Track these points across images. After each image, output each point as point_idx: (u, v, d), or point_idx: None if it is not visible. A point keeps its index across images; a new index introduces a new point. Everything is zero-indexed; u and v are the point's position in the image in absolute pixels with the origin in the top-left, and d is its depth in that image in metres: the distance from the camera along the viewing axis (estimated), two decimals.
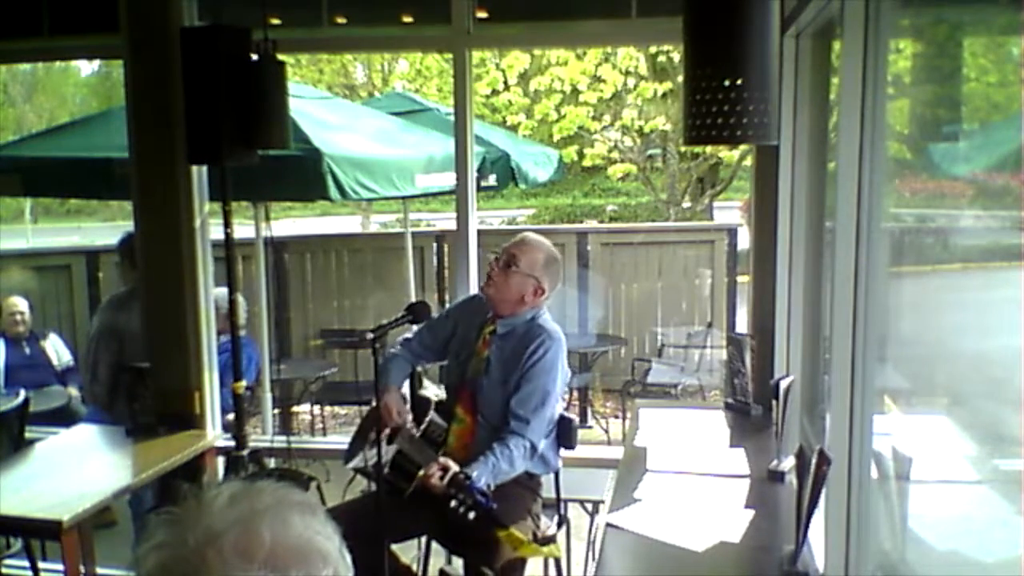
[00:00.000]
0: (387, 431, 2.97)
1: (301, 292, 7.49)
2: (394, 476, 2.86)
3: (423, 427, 3.00)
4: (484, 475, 2.80)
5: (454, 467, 2.76)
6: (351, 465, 3.08)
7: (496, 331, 3.11)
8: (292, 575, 0.91)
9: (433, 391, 3.21)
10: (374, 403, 3.01)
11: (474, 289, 3.83)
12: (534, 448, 2.99)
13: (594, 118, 11.52)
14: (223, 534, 0.90)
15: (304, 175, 4.39)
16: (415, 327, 3.20)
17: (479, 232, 3.94)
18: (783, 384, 2.82)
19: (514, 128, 10.97)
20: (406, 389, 3.25)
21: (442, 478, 2.72)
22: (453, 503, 2.61)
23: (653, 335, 7.50)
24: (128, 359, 3.84)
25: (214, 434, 3.75)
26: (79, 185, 5.12)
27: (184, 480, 3.32)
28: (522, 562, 2.89)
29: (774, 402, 2.86)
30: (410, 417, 3.09)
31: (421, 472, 2.78)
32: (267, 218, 4.33)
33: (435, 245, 7.66)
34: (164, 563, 0.90)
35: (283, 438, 4.15)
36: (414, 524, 3.06)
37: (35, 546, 3.69)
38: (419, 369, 3.31)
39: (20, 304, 5.59)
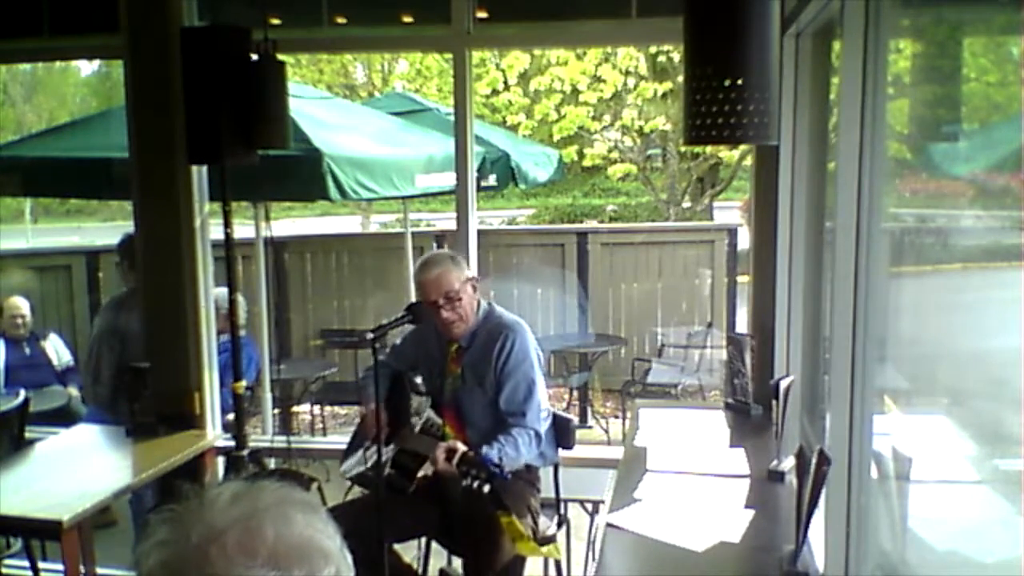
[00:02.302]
0: (385, 432, 2.97)
1: (301, 292, 7.49)
2: (395, 475, 2.87)
3: (421, 423, 3.01)
4: (492, 454, 2.83)
5: (461, 447, 2.79)
6: (350, 474, 3.09)
7: (461, 346, 3.14)
8: (295, 573, 0.91)
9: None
10: (369, 408, 3.02)
11: None
12: (538, 435, 3.02)
13: (594, 118, 11.53)
14: (226, 531, 0.90)
15: (304, 175, 4.39)
16: (413, 328, 3.21)
17: (479, 232, 3.94)
18: (783, 384, 2.82)
19: (514, 128, 10.97)
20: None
21: (450, 459, 2.74)
22: (466, 481, 2.63)
23: (653, 335, 7.51)
24: (130, 359, 3.84)
25: (214, 434, 3.75)
26: (79, 185, 5.12)
27: (184, 480, 3.32)
28: (521, 563, 2.90)
29: (774, 402, 2.85)
30: (387, 429, 3.07)
31: (430, 456, 2.81)
32: (267, 218, 4.33)
33: (435, 245, 7.64)
34: (166, 560, 0.90)
35: (283, 438, 4.15)
36: (415, 524, 3.06)
37: (35, 546, 3.69)
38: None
39: (22, 307, 5.58)
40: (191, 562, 0.89)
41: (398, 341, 3.45)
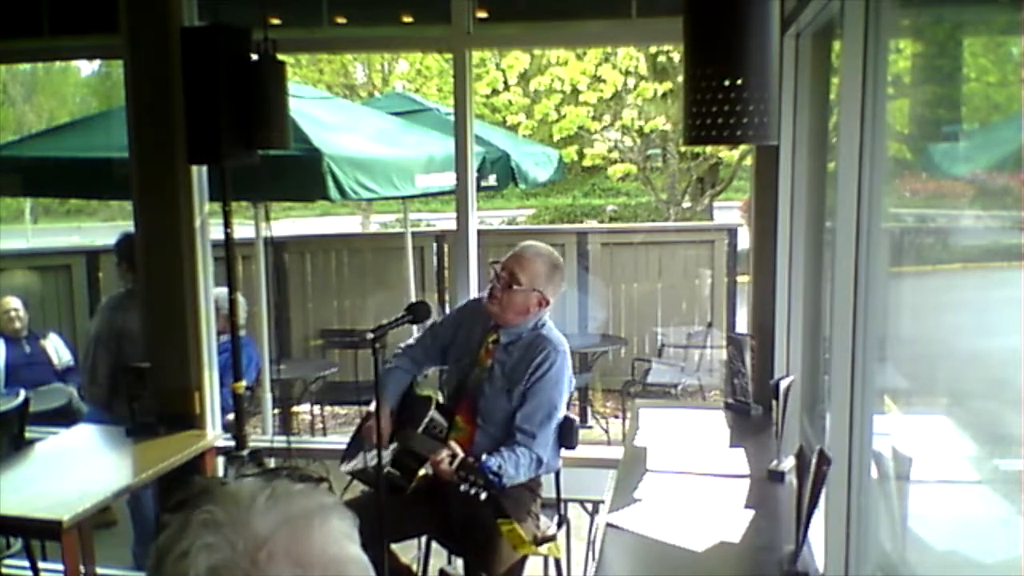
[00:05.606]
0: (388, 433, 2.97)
1: (301, 292, 7.49)
2: (395, 474, 2.87)
3: (424, 423, 3.00)
4: (492, 463, 2.81)
5: (460, 452, 2.78)
6: (347, 468, 3.09)
7: (499, 340, 3.10)
8: None
9: (433, 391, 3.22)
10: (372, 407, 3.01)
11: (474, 290, 3.83)
12: (540, 461, 2.99)
13: (594, 118, 11.52)
14: (270, 538, 0.90)
15: (304, 175, 4.39)
16: (415, 327, 3.20)
17: (479, 232, 3.94)
18: (783, 384, 2.82)
19: (514, 128, 10.97)
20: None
21: (451, 464, 2.73)
22: (463, 487, 2.62)
23: (653, 335, 7.51)
24: (127, 360, 3.84)
25: (214, 434, 3.74)
26: (79, 185, 5.12)
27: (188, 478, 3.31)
28: (521, 564, 2.90)
29: (774, 402, 2.85)
30: (389, 438, 3.05)
31: (430, 459, 2.80)
32: (267, 218, 4.33)
33: (435, 245, 7.67)
34: (214, 566, 0.90)
35: (283, 438, 4.15)
36: (414, 524, 3.06)
37: (35, 546, 3.69)
38: (417, 380, 3.30)
39: (13, 302, 5.58)
40: (240, 569, 0.89)
41: (438, 319, 3.37)
